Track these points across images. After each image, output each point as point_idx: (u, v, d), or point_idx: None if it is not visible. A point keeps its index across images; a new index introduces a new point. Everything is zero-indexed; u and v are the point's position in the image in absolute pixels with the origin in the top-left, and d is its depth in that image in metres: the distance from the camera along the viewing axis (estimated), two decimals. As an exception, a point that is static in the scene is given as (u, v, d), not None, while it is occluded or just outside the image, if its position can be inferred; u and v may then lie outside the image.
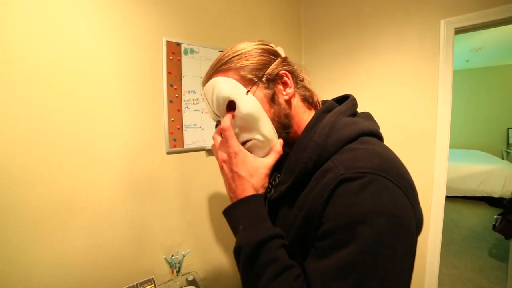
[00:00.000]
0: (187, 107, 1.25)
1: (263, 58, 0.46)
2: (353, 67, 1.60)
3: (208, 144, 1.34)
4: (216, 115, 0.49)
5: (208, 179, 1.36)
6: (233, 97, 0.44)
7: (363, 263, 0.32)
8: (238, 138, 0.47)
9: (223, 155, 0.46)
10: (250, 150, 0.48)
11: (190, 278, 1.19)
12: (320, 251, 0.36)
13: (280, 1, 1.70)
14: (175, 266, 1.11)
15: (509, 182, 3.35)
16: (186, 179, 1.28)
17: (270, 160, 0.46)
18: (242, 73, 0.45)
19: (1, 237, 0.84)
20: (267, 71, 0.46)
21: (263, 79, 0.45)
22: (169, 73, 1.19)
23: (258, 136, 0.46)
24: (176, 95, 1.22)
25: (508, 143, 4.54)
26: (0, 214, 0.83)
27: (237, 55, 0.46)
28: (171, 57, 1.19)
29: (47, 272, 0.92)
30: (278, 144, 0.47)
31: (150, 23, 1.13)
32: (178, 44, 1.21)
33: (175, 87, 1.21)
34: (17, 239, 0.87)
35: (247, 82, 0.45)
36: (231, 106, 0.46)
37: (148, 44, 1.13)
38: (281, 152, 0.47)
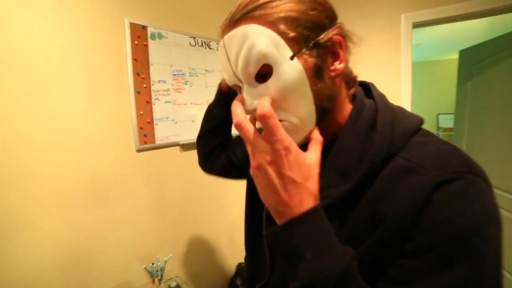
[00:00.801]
0: (157, 98, 1.13)
1: (318, 14, 0.33)
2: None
3: (182, 138, 1.23)
4: (237, 78, 0.35)
5: (184, 177, 1.26)
6: (272, 58, 0.32)
7: (477, 284, 0.27)
8: None
9: (264, 154, 0.31)
10: None
11: (173, 284, 1.11)
12: (410, 271, 0.29)
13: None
14: (157, 275, 1.02)
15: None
16: (160, 179, 1.17)
17: (317, 154, 0.34)
18: (287, 28, 0.32)
19: None
20: (320, 34, 0.33)
21: (312, 43, 0.33)
22: (134, 59, 1.04)
23: (294, 119, 0.34)
24: (144, 85, 1.08)
25: (438, 126, 5.33)
26: None
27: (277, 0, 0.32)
28: (136, 42, 1.04)
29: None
30: (316, 132, 0.36)
31: (108, 1, 0.97)
32: (144, 28, 1.07)
33: (143, 76, 1.07)
34: None
35: (292, 43, 0.32)
36: (262, 71, 0.33)
37: (108, 26, 0.97)
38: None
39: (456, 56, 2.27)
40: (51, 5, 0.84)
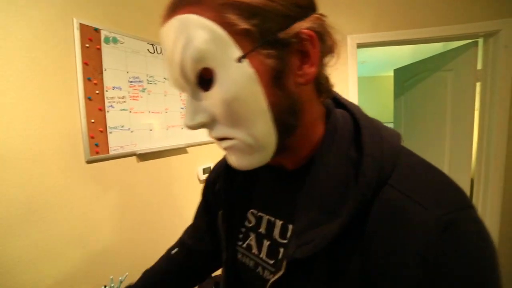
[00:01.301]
0: (111, 106, 1.06)
1: (281, 2, 0.24)
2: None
3: (140, 148, 1.18)
4: (179, 82, 0.28)
5: (142, 189, 1.20)
6: (213, 60, 0.24)
7: None
8: (209, 130, 0.29)
9: None
10: (227, 151, 0.30)
11: (129, 304, 1.02)
12: None
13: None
14: (112, 294, 0.93)
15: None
16: (115, 191, 1.09)
17: None
18: (239, 17, 0.23)
19: None
20: (284, 28, 0.24)
21: (271, 39, 0.24)
22: (85, 63, 0.97)
23: (245, 137, 0.27)
24: (97, 91, 1.01)
25: (381, 134, 6.04)
26: None
27: None
28: (87, 45, 0.97)
29: None
30: None
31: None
32: (97, 30, 1.00)
33: (95, 81, 1.00)
34: None
35: (243, 38, 0.24)
36: (205, 75, 0.26)
37: (53, 25, 0.89)
38: None
39: (392, 73, 2.64)
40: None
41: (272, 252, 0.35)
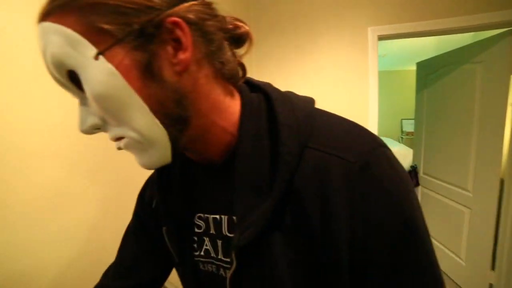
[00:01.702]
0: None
1: None
2: (301, 61, 1.76)
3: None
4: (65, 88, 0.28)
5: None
6: (71, 64, 0.24)
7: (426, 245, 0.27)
8: (107, 133, 0.29)
9: None
10: (129, 151, 0.29)
11: None
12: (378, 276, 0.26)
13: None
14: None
15: (406, 159, 4.34)
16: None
17: None
18: (90, 17, 0.23)
19: None
20: (143, 18, 0.24)
21: (132, 32, 0.24)
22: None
23: (131, 133, 0.27)
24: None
25: (402, 131, 5.82)
26: None
27: None
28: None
29: None
30: None
31: None
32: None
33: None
34: None
35: (100, 37, 0.24)
36: (76, 79, 0.26)
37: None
38: None
39: (414, 67, 2.55)
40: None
41: (227, 249, 0.34)
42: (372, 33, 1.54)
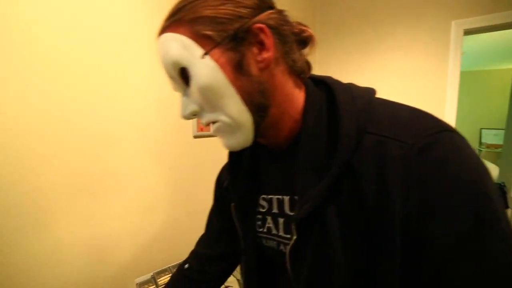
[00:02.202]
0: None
1: (232, 6, 0.31)
2: (365, 61, 1.68)
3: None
4: (174, 84, 0.37)
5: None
6: (185, 61, 0.32)
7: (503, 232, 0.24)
8: (200, 118, 0.36)
9: None
10: (216, 134, 0.36)
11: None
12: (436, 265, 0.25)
13: (296, -7, 1.74)
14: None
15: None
16: (212, 163, 1.29)
17: None
18: (196, 27, 0.31)
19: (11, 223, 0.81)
20: (235, 25, 0.31)
21: (228, 37, 0.31)
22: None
23: (224, 118, 0.33)
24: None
25: (480, 142, 4.96)
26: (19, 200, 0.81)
27: (191, 2, 0.32)
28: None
29: (74, 247, 0.90)
30: None
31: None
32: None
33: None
34: (39, 217, 0.84)
35: (205, 42, 0.31)
36: (185, 75, 0.33)
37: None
38: None
39: (506, 66, 2.16)
40: (135, 6, 1.00)
41: (287, 227, 0.38)
42: (456, 27, 1.37)
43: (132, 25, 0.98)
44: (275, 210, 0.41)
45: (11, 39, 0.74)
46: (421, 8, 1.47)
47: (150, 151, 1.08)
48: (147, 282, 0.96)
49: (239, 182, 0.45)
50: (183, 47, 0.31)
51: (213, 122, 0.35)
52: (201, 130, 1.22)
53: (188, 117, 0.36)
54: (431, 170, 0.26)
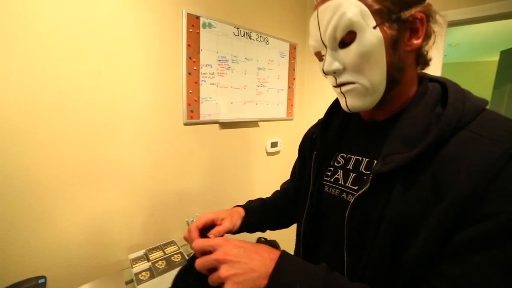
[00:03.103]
0: (203, 80, 1.29)
1: None
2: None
3: (222, 117, 1.40)
4: (323, 44, 0.41)
5: (221, 150, 1.43)
6: (358, 25, 0.37)
7: None
8: (337, 77, 0.42)
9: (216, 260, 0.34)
10: (346, 94, 0.42)
11: (206, 240, 1.29)
12: (474, 240, 0.29)
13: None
14: (195, 228, 1.20)
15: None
16: (201, 150, 1.35)
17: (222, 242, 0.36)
18: (374, 1, 0.37)
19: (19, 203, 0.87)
20: (404, 10, 0.37)
21: (394, 16, 0.37)
22: (188, 45, 1.21)
23: (365, 81, 0.39)
24: (195, 68, 1.25)
25: (473, 134, 5.05)
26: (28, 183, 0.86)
27: None
28: (190, 30, 1.21)
29: (73, 229, 0.96)
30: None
31: (171, -7, 1.14)
32: (198, 17, 1.23)
33: (194, 59, 1.24)
34: (41, 203, 0.90)
35: (377, 14, 0.37)
36: (344, 41, 0.39)
37: (169, 15, 1.15)
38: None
39: (490, 58, 2.20)
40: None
41: (357, 181, 0.45)
42: (440, 19, 1.40)
43: (128, 20, 1.01)
44: (349, 167, 0.48)
45: (15, 33, 0.77)
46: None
47: (142, 139, 1.12)
48: (140, 258, 1.03)
49: (326, 137, 0.54)
50: (360, 14, 0.37)
51: (349, 83, 0.41)
52: (191, 117, 1.27)
53: (329, 73, 0.42)
54: (509, 176, 0.29)
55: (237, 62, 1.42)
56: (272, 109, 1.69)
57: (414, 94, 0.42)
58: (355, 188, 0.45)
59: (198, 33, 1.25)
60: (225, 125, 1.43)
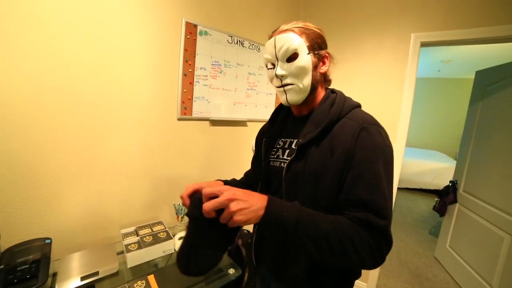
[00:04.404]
0: (197, 81, 1.45)
1: (323, 41, 0.67)
2: (340, 62, 1.86)
3: (212, 115, 1.55)
4: (276, 58, 0.65)
5: (211, 145, 1.59)
6: (299, 50, 0.63)
7: (387, 171, 0.57)
8: (282, 80, 0.66)
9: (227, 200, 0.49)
10: (287, 91, 0.67)
11: (190, 224, 1.44)
12: (356, 172, 0.56)
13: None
14: (180, 212, 1.36)
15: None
16: (193, 144, 1.50)
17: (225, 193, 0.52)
18: (310, 41, 0.64)
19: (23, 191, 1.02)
20: (321, 50, 0.66)
21: (316, 51, 0.66)
22: (185, 50, 1.37)
23: (300, 84, 0.65)
24: (190, 70, 1.41)
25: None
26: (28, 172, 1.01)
27: (311, 28, 0.66)
28: (188, 36, 1.37)
29: (73, 212, 1.12)
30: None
31: (171, 4, 1.30)
32: (195, 26, 1.39)
33: (190, 62, 1.40)
34: (38, 192, 1.05)
35: (309, 48, 0.64)
36: (290, 58, 0.64)
37: (170, 23, 1.30)
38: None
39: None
40: (132, 6, 1.18)
41: (289, 154, 0.71)
42: (415, 39, 1.56)
43: (133, 25, 1.16)
44: (286, 146, 0.74)
45: (18, 32, 0.93)
46: (386, 20, 1.65)
47: (140, 131, 1.28)
48: (130, 233, 1.19)
49: (273, 128, 0.81)
50: (301, 44, 0.64)
51: (290, 84, 0.66)
52: (184, 114, 1.43)
53: (279, 76, 0.66)
54: (365, 137, 0.58)
55: (229, 67, 1.58)
56: (261, 111, 1.84)
57: (321, 98, 0.70)
58: (288, 159, 0.68)
59: (195, 39, 1.40)
60: (215, 122, 1.58)
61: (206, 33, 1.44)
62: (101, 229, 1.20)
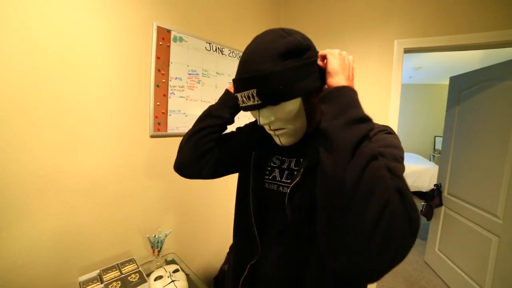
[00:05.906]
0: (172, 93, 1.29)
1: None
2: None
3: (191, 130, 1.39)
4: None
5: (189, 165, 1.41)
6: (287, 99, 0.56)
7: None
8: (271, 126, 0.56)
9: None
10: (279, 135, 0.58)
11: (170, 258, 1.24)
12: None
13: (263, 4, 1.82)
14: (157, 246, 1.15)
15: (433, 179, 4.05)
16: (168, 163, 1.32)
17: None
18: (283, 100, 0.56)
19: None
20: (308, 103, 0.57)
21: (307, 103, 0.57)
22: (157, 58, 1.21)
23: (292, 127, 0.57)
24: (163, 80, 1.24)
25: (434, 148, 5.47)
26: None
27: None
28: (160, 43, 1.21)
29: (21, 250, 0.88)
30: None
31: (141, 6, 1.14)
32: (169, 31, 1.23)
33: (163, 72, 1.24)
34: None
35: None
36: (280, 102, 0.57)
37: (138, 27, 1.14)
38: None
39: (447, 82, 2.44)
40: (98, 7, 1.01)
41: (290, 176, 0.60)
42: (398, 45, 1.54)
43: (95, 28, 0.99)
44: (284, 166, 0.62)
45: None
46: (370, 26, 1.63)
47: (106, 151, 1.08)
48: (92, 280, 0.97)
49: (265, 141, 0.66)
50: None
51: (280, 129, 0.55)
52: (158, 130, 1.25)
53: (265, 124, 0.54)
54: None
55: (208, 76, 1.43)
56: (244, 123, 1.70)
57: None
58: (288, 181, 0.59)
59: (169, 46, 1.25)
60: (194, 138, 1.41)
61: (181, 39, 1.29)
62: (50, 277, 0.96)
